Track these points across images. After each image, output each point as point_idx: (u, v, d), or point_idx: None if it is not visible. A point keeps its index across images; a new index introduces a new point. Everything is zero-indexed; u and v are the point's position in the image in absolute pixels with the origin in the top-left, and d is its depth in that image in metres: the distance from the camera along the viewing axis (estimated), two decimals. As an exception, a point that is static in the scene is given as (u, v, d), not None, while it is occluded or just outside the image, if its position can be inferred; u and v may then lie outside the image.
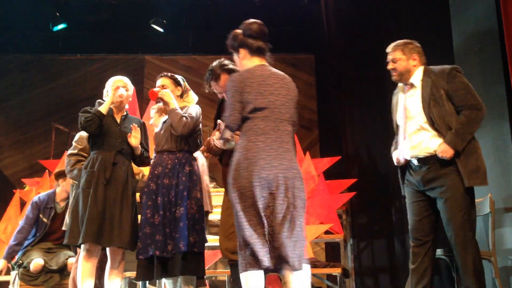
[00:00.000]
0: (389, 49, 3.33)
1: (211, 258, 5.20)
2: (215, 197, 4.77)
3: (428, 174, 3.13)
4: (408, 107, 3.23)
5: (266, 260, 2.44)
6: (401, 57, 3.25)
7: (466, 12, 4.51)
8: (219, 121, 3.02)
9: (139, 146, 3.47)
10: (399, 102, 3.33)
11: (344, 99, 5.95)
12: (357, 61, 5.90)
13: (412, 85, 3.25)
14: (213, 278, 5.86)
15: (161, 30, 7.10)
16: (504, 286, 3.66)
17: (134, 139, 3.42)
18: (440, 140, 3.08)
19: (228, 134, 2.71)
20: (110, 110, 3.48)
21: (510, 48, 4.07)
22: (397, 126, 3.34)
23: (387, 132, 5.47)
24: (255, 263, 2.43)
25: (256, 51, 2.70)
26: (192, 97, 3.67)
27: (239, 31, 2.77)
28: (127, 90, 3.54)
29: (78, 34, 6.96)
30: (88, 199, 3.23)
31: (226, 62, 3.25)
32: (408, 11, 5.23)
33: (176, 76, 3.63)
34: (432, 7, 4.94)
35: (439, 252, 3.64)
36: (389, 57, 3.31)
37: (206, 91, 3.30)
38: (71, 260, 4.33)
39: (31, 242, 4.47)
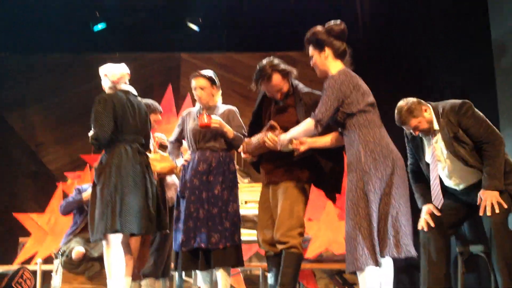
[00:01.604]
0: (403, 124, 3.20)
1: (245, 252, 5.28)
2: (250, 193, 4.84)
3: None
4: (437, 150, 3.22)
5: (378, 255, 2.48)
6: (418, 120, 3.17)
7: (505, 6, 4.43)
8: (272, 121, 3.00)
9: None
10: (426, 145, 3.29)
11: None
12: (388, 59, 5.84)
13: (435, 131, 3.23)
14: (248, 272, 5.94)
15: (196, 28, 7.20)
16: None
17: None
18: (476, 174, 3.12)
19: (287, 141, 2.78)
20: None
21: (552, 42, 3.97)
22: (427, 168, 3.29)
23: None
24: (376, 256, 2.46)
25: (340, 54, 2.71)
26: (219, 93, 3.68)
27: (321, 29, 2.71)
28: None
29: (116, 33, 7.12)
30: None
31: (276, 61, 3.07)
32: (444, 7, 5.15)
33: (209, 72, 3.58)
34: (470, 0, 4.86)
35: (477, 249, 3.60)
36: (409, 128, 3.21)
37: (254, 90, 3.15)
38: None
39: (73, 230, 4.62)
